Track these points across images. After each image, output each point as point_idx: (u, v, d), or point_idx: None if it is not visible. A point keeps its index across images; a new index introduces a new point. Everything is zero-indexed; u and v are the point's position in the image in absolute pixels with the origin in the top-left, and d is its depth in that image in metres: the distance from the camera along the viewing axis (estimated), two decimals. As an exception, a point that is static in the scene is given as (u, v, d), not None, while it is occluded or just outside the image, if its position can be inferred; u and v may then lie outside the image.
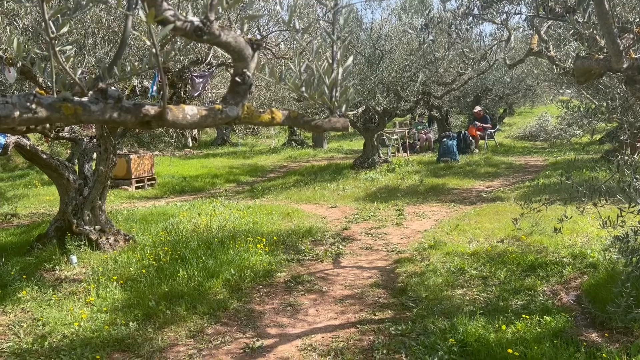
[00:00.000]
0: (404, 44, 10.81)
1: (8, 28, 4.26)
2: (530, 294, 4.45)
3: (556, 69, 5.81)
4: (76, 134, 6.83)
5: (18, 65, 4.73)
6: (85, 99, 1.28)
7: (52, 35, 1.30)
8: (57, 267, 5.57)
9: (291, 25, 1.60)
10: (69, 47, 1.59)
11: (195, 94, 5.41)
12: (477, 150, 15.58)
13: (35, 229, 7.42)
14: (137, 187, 11.96)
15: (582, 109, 3.92)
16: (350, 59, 1.57)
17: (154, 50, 1.20)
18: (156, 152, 19.94)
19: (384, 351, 3.67)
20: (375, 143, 13.17)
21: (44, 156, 6.05)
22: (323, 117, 1.56)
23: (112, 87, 1.35)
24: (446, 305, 4.36)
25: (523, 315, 3.96)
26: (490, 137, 16.48)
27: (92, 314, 4.45)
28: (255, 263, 5.47)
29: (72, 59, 1.46)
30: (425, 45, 7.93)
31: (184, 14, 1.33)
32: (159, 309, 4.44)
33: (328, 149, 19.70)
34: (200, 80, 5.34)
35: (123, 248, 6.19)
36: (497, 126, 18.49)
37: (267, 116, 1.41)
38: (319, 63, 1.46)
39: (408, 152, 16.12)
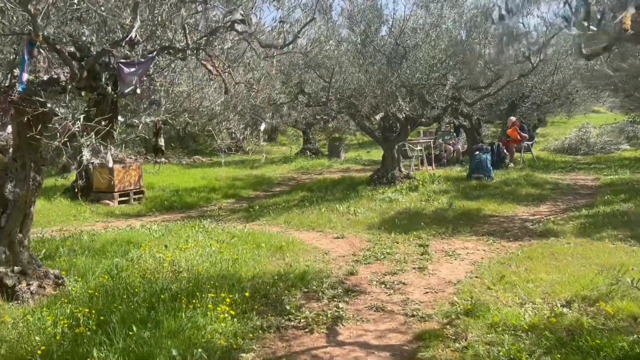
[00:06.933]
0: (432, 40, 9.08)
1: None
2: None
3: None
4: (5, 144, 5.29)
5: None
6: None
7: None
8: (-53, 329, 4.00)
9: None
10: None
11: (127, 90, 3.78)
12: (512, 164, 13.69)
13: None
14: (120, 202, 10.45)
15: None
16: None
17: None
18: (163, 159, 18.67)
19: None
20: (396, 155, 11.42)
21: (-56, 173, 4.51)
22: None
23: None
24: None
25: None
26: (527, 149, 14.55)
27: None
28: (213, 335, 3.79)
29: None
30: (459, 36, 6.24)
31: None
32: None
33: (345, 159, 18.05)
34: (132, 69, 3.71)
35: (49, 297, 4.61)
36: (535, 138, 16.51)
37: None
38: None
39: (433, 165, 14.34)
